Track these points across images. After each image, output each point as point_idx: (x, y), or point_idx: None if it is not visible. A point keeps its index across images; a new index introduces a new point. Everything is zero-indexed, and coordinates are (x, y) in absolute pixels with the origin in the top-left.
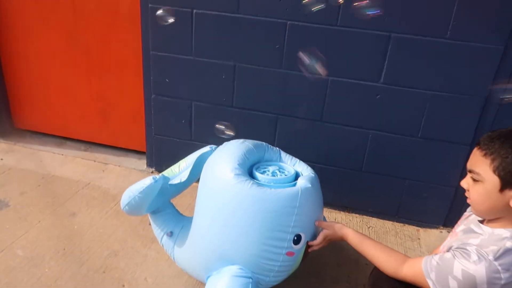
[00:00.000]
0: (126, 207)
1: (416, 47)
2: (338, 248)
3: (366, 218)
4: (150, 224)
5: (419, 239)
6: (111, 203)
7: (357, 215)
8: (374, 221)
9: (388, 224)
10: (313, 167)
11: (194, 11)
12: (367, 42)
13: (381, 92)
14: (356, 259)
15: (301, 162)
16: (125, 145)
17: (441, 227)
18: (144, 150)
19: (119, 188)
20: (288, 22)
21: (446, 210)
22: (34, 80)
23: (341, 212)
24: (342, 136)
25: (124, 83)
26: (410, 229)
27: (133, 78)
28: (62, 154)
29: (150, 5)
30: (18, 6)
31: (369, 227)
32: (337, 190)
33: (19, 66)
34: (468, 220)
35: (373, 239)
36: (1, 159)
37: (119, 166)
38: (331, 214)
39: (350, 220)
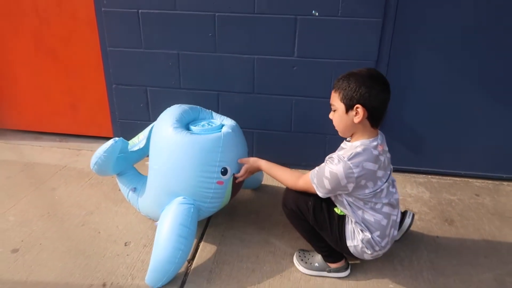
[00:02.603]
0: (95, 167)
1: (318, 25)
2: (274, 192)
3: (301, 172)
4: (119, 190)
5: None
6: (86, 178)
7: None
8: None
9: None
10: (252, 133)
11: (140, 11)
12: (280, 25)
13: (296, 64)
14: None
15: (228, 118)
16: (95, 133)
17: None
18: (112, 135)
19: None
20: (216, 14)
21: None
22: (7, 83)
23: None
24: (272, 104)
25: (88, 78)
26: None
27: (95, 73)
28: (40, 146)
29: (103, 9)
30: None
31: None
32: (274, 150)
33: None
34: (344, 142)
35: (281, 166)
36: None
37: (91, 151)
38: None
39: None
